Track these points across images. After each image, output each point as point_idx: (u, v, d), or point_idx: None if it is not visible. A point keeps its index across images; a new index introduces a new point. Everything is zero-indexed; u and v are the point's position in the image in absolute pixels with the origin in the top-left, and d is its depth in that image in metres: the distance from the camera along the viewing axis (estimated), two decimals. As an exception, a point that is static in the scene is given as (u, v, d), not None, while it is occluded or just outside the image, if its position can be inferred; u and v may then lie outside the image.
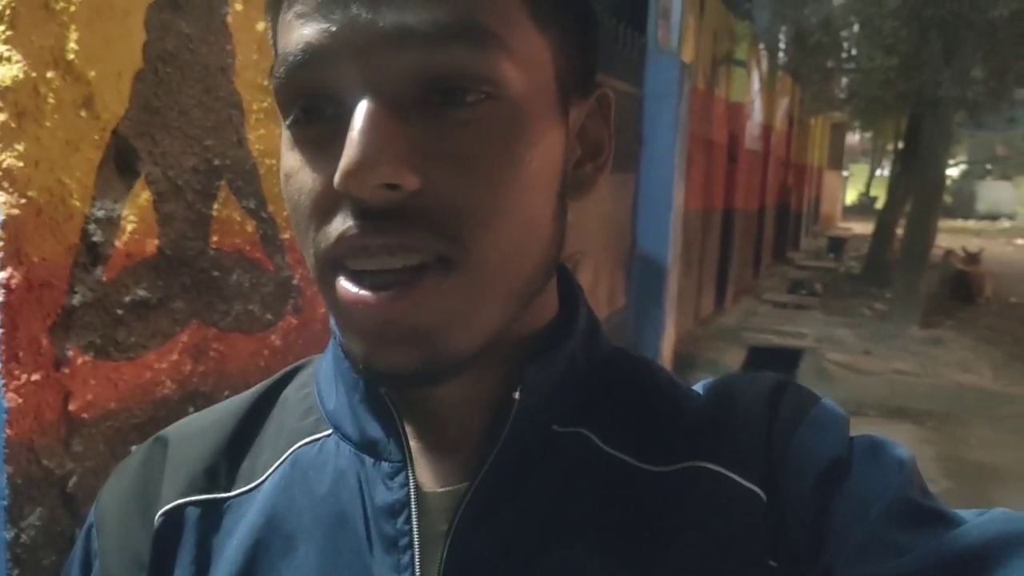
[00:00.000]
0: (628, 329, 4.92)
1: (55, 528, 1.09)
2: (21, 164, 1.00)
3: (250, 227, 1.45)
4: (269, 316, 1.52)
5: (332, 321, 0.48)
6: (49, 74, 1.04)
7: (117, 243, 1.17)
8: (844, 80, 10.02)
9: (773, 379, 0.50)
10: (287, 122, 0.43)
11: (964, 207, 27.39)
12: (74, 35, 1.07)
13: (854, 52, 9.17)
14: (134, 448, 0.63)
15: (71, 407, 1.11)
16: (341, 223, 0.40)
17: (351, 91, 0.39)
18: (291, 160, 0.42)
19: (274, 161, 1.48)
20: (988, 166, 30.62)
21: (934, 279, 9.43)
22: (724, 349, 6.35)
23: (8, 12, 0.97)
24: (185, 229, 1.30)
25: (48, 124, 1.04)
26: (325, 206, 0.41)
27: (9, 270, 1.00)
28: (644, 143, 4.87)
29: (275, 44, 0.43)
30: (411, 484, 0.46)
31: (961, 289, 9.47)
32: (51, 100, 1.04)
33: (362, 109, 0.39)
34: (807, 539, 0.43)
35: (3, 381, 1.00)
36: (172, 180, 1.27)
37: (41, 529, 1.07)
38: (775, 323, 7.62)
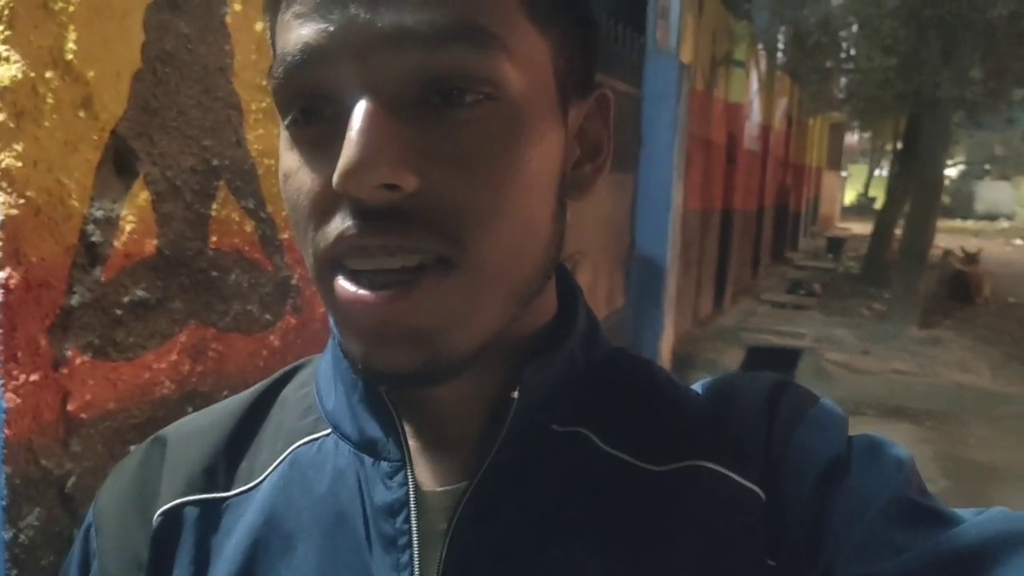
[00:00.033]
0: (627, 329, 4.93)
1: (53, 528, 1.09)
2: (20, 164, 1.00)
3: (249, 227, 1.45)
4: (268, 316, 1.52)
5: (331, 321, 0.48)
6: (48, 74, 1.04)
7: (116, 243, 1.17)
8: (843, 80, 10.03)
9: (772, 379, 0.50)
10: (285, 122, 0.43)
11: (963, 207, 27.42)
12: (73, 35, 1.07)
13: (853, 52, 9.17)
14: (132, 448, 0.63)
15: (70, 407, 1.11)
16: (340, 223, 0.40)
17: (349, 91, 0.39)
18: (290, 160, 0.42)
19: (273, 161, 1.48)
20: (986, 166, 30.66)
21: (933, 279, 9.44)
22: (723, 349, 6.36)
23: (7, 12, 0.97)
24: (184, 229, 1.30)
25: (47, 124, 1.04)
26: (324, 206, 0.41)
27: (8, 270, 1.00)
28: (643, 143, 4.88)
29: (273, 44, 0.43)
30: (410, 483, 0.46)
31: (959, 289, 9.48)
32: (50, 100, 1.04)
33: (360, 109, 0.39)
34: (806, 538, 0.43)
35: (2, 381, 1.00)
36: (171, 180, 1.27)
37: (39, 529, 1.07)
38: (774, 323, 7.62)
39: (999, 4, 6.94)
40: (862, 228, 17.64)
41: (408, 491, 0.46)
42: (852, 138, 26.67)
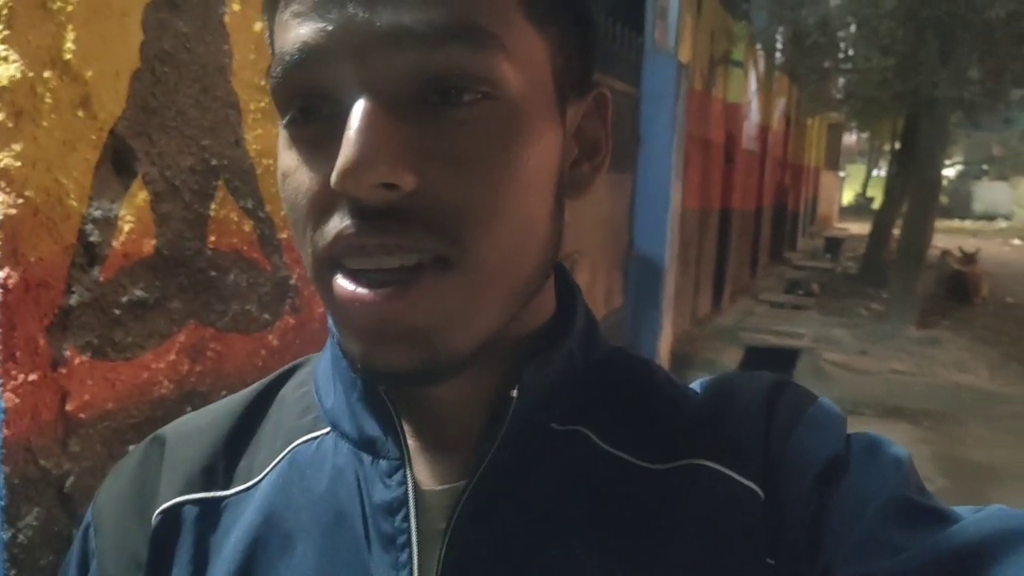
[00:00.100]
0: (625, 329, 4.93)
1: (52, 528, 1.09)
2: (18, 164, 1.00)
3: (247, 227, 1.45)
4: (266, 316, 1.52)
5: (330, 320, 0.48)
6: (46, 74, 1.03)
7: (114, 243, 1.17)
8: (841, 80, 10.04)
9: (771, 378, 0.50)
10: (284, 121, 0.43)
11: (961, 207, 27.43)
12: (71, 35, 1.06)
13: (851, 52, 9.17)
14: (131, 448, 0.63)
15: (68, 407, 1.11)
16: (338, 222, 0.40)
17: (348, 90, 0.40)
18: (288, 159, 0.42)
19: (271, 161, 1.48)
20: (984, 166, 30.69)
21: (931, 279, 9.45)
22: (721, 349, 6.36)
23: (5, 11, 0.97)
24: (182, 229, 1.30)
25: (45, 124, 1.04)
26: (322, 205, 0.41)
27: (6, 270, 1.00)
28: (641, 143, 4.88)
29: (272, 44, 0.43)
30: (409, 482, 0.46)
31: (958, 289, 9.48)
32: (48, 100, 1.04)
33: (359, 108, 0.39)
34: (805, 537, 0.43)
35: (0, 381, 1.00)
36: (169, 180, 1.27)
37: (38, 529, 1.07)
38: (772, 323, 7.62)
39: (997, 4, 6.95)
40: (860, 228, 17.65)
41: (407, 490, 0.46)
42: (850, 138, 26.69)
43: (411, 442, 0.47)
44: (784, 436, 0.46)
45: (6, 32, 0.98)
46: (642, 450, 0.47)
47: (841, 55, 9.33)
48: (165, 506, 0.50)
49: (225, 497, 0.50)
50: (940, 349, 6.99)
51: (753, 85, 8.70)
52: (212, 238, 1.37)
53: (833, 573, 0.42)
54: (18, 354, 1.02)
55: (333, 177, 0.38)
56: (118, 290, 1.18)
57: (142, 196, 1.22)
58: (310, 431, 0.51)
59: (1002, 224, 25.78)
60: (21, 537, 1.05)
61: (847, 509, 0.43)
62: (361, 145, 0.38)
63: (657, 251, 5.03)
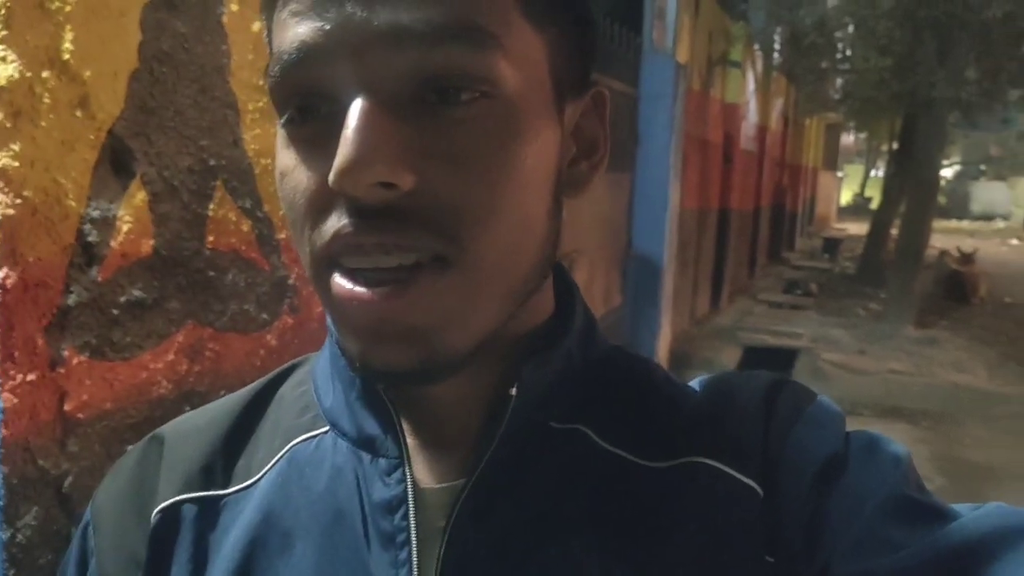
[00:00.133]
0: (624, 328, 4.93)
1: (51, 528, 1.09)
2: (17, 164, 1.00)
3: (246, 227, 1.45)
4: (265, 316, 1.52)
5: (328, 319, 0.48)
6: (44, 74, 1.03)
7: (113, 243, 1.17)
8: (839, 81, 10.05)
9: (770, 376, 0.50)
10: (282, 121, 0.43)
11: (958, 208, 27.46)
12: (69, 35, 1.06)
13: (848, 53, 9.18)
14: (130, 448, 0.63)
15: (67, 407, 1.11)
16: (336, 221, 0.40)
17: (346, 90, 0.40)
18: (286, 159, 0.42)
19: (270, 161, 1.48)
20: (982, 167, 30.71)
21: (929, 279, 9.46)
22: (720, 349, 6.36)
23: (3, 11, 0.97)
24: (181, 229, 1.30)
25: (43, 124, 1.04)
26: (320, 204, 0.41)
27: (5, 270, 1.00)
28: (639, 143, 4.88)
29: (270, 43, 0.43)
30: (408, 480, 0.46)
31: (956, 289, 9.49)
32: (46, 100, 1.04)
33: (357, 107, 0.39)
34: (804, 535, 0.43)
35: (-2, 381, 1.00)
36: (168, 180, 1.26)
37: (37, 529, 1.07)
38: (771, 323, 7.63)
39: (994, 5, 6.96)
40: (858, 228, 17.66)
41: (406, 488, 0.46)
42: (848, 138, 26.71)
43: (410, 440, 0.47)
44: (783, 434, 0.46)
45: (4, 32, 0.97)
46: (641, 448, 0.47)
47: (839, 55, 9.34)
48: (164, 505, 0.50)
49: (224, 496, 0.50)
50: (938, 349, 7.00)
51: (751, 85, 8.71)
52: (210, 238, 1.37)
53: (832, 571, 0.42)
54: (16, 354, 1.02)
55: (331, 176, 0.38)
56: (116, 290, 1.18)
57: (140, 196, 1.22)
58: (309, 430, 0.51)
59: (1000, 224, 25.82)
60: (20, 537, 1.05)
61: (846, 507, 0.43)
62: (359, 144, 0.38)
63: (655, 251, 5.03)
